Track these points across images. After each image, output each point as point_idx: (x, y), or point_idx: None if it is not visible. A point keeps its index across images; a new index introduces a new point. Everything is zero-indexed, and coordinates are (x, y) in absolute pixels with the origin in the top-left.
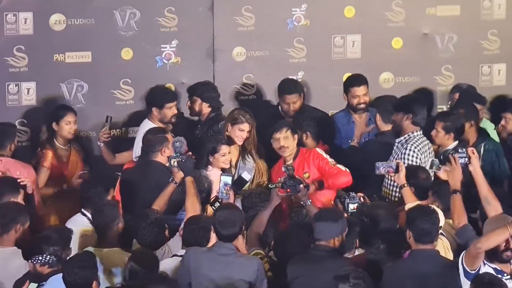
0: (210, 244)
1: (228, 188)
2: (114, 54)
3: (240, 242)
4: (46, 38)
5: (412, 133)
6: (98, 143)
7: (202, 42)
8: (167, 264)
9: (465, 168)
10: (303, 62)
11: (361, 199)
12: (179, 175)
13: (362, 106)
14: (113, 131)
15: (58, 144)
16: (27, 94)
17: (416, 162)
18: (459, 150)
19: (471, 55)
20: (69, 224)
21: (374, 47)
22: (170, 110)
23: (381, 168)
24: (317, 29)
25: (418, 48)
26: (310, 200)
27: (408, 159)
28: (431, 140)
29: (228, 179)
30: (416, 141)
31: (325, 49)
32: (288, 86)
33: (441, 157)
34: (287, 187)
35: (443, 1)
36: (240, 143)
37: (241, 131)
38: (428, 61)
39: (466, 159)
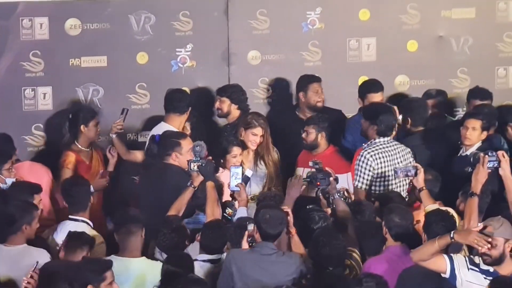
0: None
1: (239, 181)
2: (129, 58)
3: (297, 241)
4: (61, 43)
5: (374, 139)
6: (110, 134)
7: (217, 46)
8: None
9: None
10: (318, 66)
11: (345, 193)
12: (199, 179)
13: None
14: (128, 135)
15: (80, 146)
16: (43, 99)
17: (365, 168)
18: (489, 154)
19: (487, 57)
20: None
21: (389, 50)
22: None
23: (400, 172)
24: (332, 32)
25: (433, 50)
26: (338, 194)
27: (359, 165)
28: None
29: (239, 170)
30: (374, 147)
31: (340, 52)
32: (312, 76)
33: (472, 159)
34: (317, 180)
35: (458, 3)
36: (254, 147)
37: (254, 136)
38: (443, 64)
39: (496, 163)
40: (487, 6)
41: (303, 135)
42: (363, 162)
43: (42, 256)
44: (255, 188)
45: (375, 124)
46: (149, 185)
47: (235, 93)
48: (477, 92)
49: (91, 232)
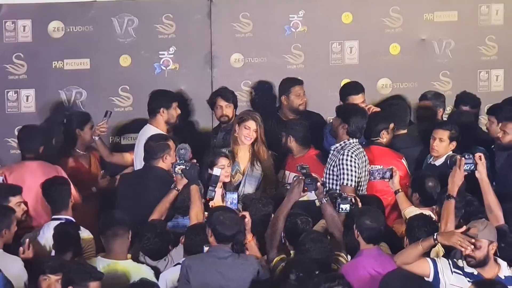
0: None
1: (235, 205)
2: (112, 61)
3: (253, 247)
4: (45, 45)
5: (348, 140)
6: (93, 137)
7: (200, 49)
8: (168, 274)
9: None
10: (301, 68)
11: (353, 199)
12: (182, 182)
13: None
14: (111, 138)
15: (78, 151)
16: (26, 101)
17: (354, 166)
18: (466, 156)
19: (469, 60)
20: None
21: (371, 53)
22: (176, 111)
23: (376, 174)
24: (315, 35)
25: (415, 54)
26: (326, 198)
27: (346, 164)
28: (427, 151)
29: (234, 196)
30: (352, 147)
31: (322, 55)
32: (292, 80)
33: (448, 162)
34: (305, 185)
35: (441, 7)
36: (248, 142)
37: (247, 129)
38: (426, 67)
39: (473, 165)
40: (469, 9)
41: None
42: (350, 161)
43: (16, 264)
44: (248, 188)
45: (346, 123)
46: (131, 187)
47: (234, 97)
48: (466, 98)
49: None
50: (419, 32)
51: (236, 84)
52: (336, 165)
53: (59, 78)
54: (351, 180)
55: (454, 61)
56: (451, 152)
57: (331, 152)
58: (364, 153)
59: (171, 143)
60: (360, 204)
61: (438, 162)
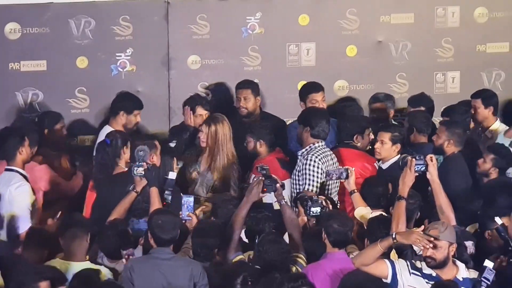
0: None
1: (191, 209)
2: (69, 62)
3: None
4: (1, 47)
5: (314, 144)
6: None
7: (157, 51)
8: None
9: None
10: (258, 70)
11: (323, 202)
12: (142, 183)
13: None
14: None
15: (48, 149)
16: None
17: (317, 172)
18: (417, 157)
19: (425, 62)
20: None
21: (328, 55)
22: (135, 118)
23: (333, 174)
24: (272, 37)
25: (372, 56)
26: (285, 200)
27: (309, 169)
28: (373, 153)
29: (191, 199)
30: (317, 152)
31: (279, 57)
32: (242, 82)
33: (400, 163)
34: (264, 186)
35: (397, 9)
36: (202, 144)
37: (201, 132)
38: (382, 69)
39: (423, 166)
40: (425, 11)
41: (245, 143)
42: (313, 166)
43: None
44: (199, 190)
45: (308, 126)
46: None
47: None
48: (418, 100)
49: (21, 181)
50: (376, 34)
51: (193, 85)
52: (301, 170)
53: (16, 80)
54: (312, 186)
55: (410, 63)
56: (397, 157)
57: (299, 158)
58: (333, 156)
59: (157, 143)
60: (330, 207)
61: (385, 165)
